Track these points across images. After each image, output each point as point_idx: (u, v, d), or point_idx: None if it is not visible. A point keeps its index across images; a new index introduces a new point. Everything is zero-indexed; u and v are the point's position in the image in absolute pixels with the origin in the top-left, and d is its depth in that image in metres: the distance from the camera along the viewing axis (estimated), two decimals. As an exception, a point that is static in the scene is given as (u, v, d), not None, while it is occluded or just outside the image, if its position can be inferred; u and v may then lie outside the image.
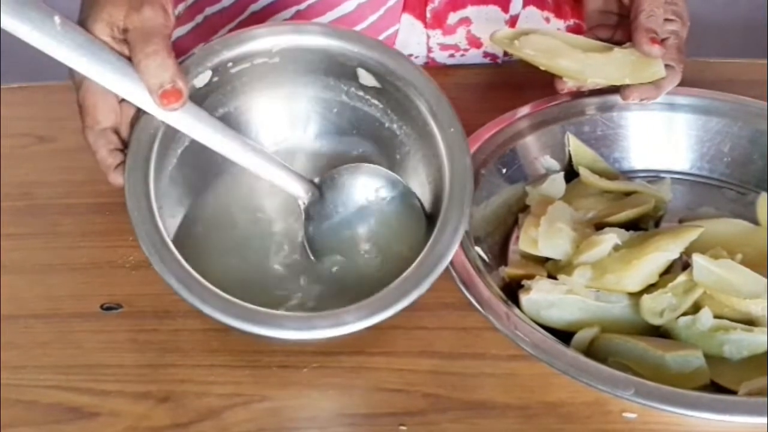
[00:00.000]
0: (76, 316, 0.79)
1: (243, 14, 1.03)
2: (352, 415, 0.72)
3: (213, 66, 0.76)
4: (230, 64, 0.76)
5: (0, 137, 0.95)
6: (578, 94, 0.90)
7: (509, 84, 1.01)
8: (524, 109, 0.89)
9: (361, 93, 0.80)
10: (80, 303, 0.80)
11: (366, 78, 0.79)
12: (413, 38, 1.04)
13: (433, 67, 1.07)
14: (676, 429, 0.70)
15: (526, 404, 0.72)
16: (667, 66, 0.87)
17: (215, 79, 0.77)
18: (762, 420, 0.66)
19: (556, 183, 0.86)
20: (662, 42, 0.87)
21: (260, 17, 1.03)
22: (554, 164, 0.88)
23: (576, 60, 0.87)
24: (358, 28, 1.02)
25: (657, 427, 0.70)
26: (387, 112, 0.80)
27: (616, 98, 0.90)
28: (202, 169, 0.80)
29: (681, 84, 0.90)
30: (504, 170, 0.86)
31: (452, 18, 1.04)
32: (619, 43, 0.90)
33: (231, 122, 0.78)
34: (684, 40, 0.90)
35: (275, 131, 0.83)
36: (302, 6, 1.01)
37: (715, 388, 0.72)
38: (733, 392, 0.71)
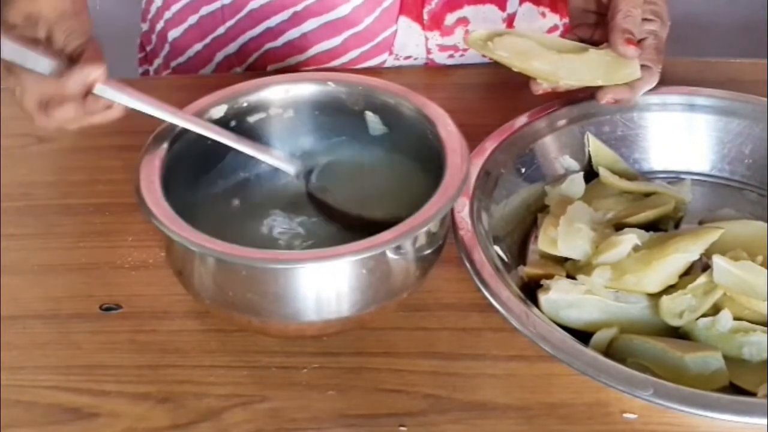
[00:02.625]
0: (76, 317, 0.79)
1: (242, 12, 1.03)
2: (352, 415, 0.72)
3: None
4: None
5: (0, 137, 0.95)
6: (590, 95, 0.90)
7: (509, 84, 1.01)
8: (543, 109, 0.89)
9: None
10: (79, 303, 0.80)
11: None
12: (412, 40, 1.04)
13: (432, 68, 1.07)
14: (676, 429, 0.70)
15: (527, 405, 0.72)
16: (643, 66, 0.87)
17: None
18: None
19: (576, 183, 0.86)
20: (640, 42, 0.86)
21: (258, 15, 1.03)
22: (574, 164, 0.88)
23: (549, 62, 0.87)
24: (353, 31, 1.02)
25: (657, 427, 0.70)
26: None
27: (636, 99, 0.89)
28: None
29: (690, 84, 0.91)
30: (523, 170, 0.86)
31: (450, 18, 1.03)
32: (598, 43, 0.89)
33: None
34: (663, 40, 0.89)
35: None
36: (299, 7, 1.01)
37: (734, 389, 0.72)
38: (752, 394, 0.71)
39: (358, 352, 0.76)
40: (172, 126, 0.78)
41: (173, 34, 1.07)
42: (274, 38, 1.04)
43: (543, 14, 1.06)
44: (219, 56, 1.07)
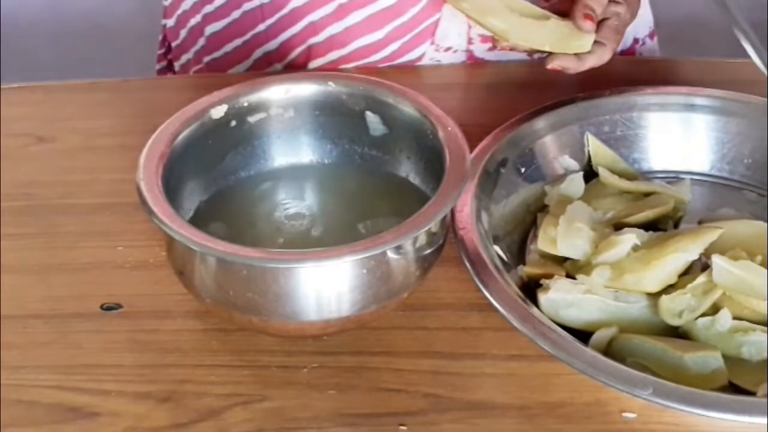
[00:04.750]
0: (76, 316, 0.79)
1: (284, 9, 1.03)
2: (352, 414, 0.72)
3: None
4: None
5: (0, 137, 0.95)
6: (597, 94, 0.91)
7: (509, 84, 1.01)
8: (543, 109, 0.89)
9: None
10: (80, 303, 0.80)
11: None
12: (454, 29, 1.04)
13: (432, 68, 1.06)
14: (675, 429, 0.70)
15: (526, 404, 0.72)
16: (598, 43, 0.91)
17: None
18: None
19: (575, 183, 0.86)
20: (602, 22, 0.91)
21: (302, 11, 1.03)
22: (573, 164, 0.88)
23: (505, 21, 0.91)
24: (398, 22, 1.02)
25: (656, 427, 0.70)
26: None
27: (636, 99, 0.90)
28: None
29: (690, 84, 0.91)
30: (523, 169, 0.86)
31: None
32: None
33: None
34: (625, 23, 0.93)
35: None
36: (344, 0, 1.01)
37: (734, 389, 0.72)
38: (752, 393, 0.71)
39: (358, 351, 0.76)
40: (173, 126, 0.78)
41: (212, 28, 1.07)
42: (316, 33, 1.04)
43: None
44: (258, 53, 1.06)
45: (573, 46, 0.90)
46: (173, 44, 1.14)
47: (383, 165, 0.84)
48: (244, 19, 1.05)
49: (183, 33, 1.11)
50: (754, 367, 0.73)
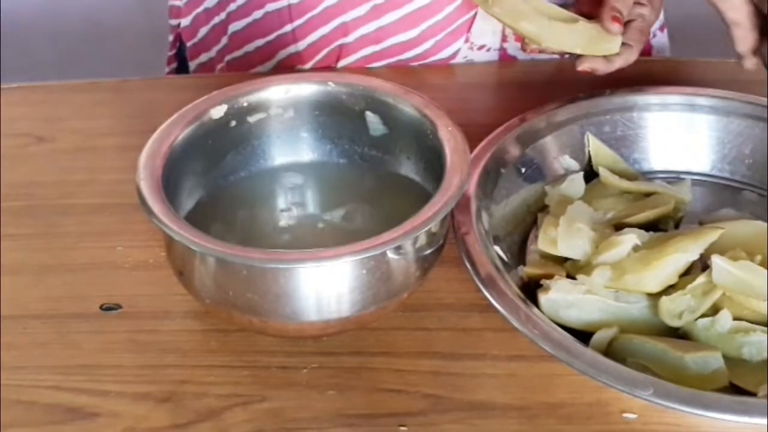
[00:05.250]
0: (76, 317, 0.79)
1: (315, 10, 1.03)
2: (352, 415, 0.72)
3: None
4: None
5: (0, 137, 0.95)
6: (598, 94, 0.91)
7: (510, 84, 1.02)
8: (543, 109, 0.89)
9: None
10: (79, 303, 0.80)
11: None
12: (488, 26, 1.04)
13: (432, 68, 1.06)
14: (676, 429, 0.70)
15: (527, 405, 0.72)
16: (625, 45, 0.91)
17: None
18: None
19: (576, 183, 0.86)
20: (628, 23, 0.91)
21: (334, 12, 1.02)
22: (573, 164, 0.88)
23: (537, 24, 0.91)
24: (432, 21, 1.02)
25: (657, 427, 0.70)
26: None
27: (636, 99, 0.90)
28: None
29: (691, 84, 0.91)
30: (523, 170, 0.86)
31: None
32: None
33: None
34: (650, 24, 0.93)
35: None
36: (380, 1, 1.01)
37: (734, 389, 0.71)
38: (752, 394, 0.71)
39: (358, 352, 0.76)
40: (173, 126, 0.78)
41: (234, 27, 1.06)
42: (346, 34, 1.03)
43: None
44: (282, 54, 1.06)
45: (602, 49, 0.90)
46: (189, 43, 1.12)
47: (383, 165, 0.84)
48: (267, 19, 1.04)
49: (204, 31, 1.10)
50: (754, 368, 0.73)
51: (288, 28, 1.04)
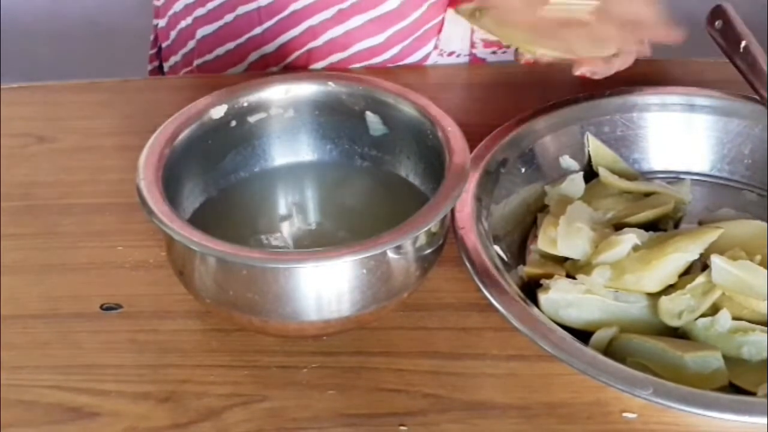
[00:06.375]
0: (76, 317, 0.79)
1: (283, 12, 1.03)
2: (352, 415, 0.72)
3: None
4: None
5: (0, 137, 0.95)
6: (598, 95, 0.91)
7: (509, 84, 1.01)
8: (543, 109, 0.89)
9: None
10: (80, 303, 0.80)
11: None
12: (457, 33, 1.04)
13: (432, 68, 1.06)
14: (675, 429, 0.70)
15: (527, 404, 0.72)
16: None
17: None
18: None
19: (575, 183, 0.86)
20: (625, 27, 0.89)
21: (302, 15, 1.02)
22: (573, 164, 0.88)
23: (529, 31, 0.89)
24: (399, 26, 1.02)
25: (657, 427, 0.70)
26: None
27: (636, 99, 0.90)
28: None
29: (690, 85, 0.91)
30: (523, 169, 0.86)
31: None
32: None
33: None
34: (649, 24, 0.91)
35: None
36: (345, 5, 1.01)
37: (734, 389, 0.72)
38: (752, 393, 0.71)
39: (358, 351, 0.76)
40: (173, 126, 0.78)
41: (204, 31, 1.06)
42: (315, 37, 1.03)
43: None
44: (253, 56, 1.06)
45: (598, 50, 0.89)
46: (163, 45, 1.14)
47: (383, 165, 0.84)
48: (238, 22, 1.05)
49: (173, 34, 1.11)
50: (754, 367, 0.73)
51: (258, 30, 1.04)
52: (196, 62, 1.09)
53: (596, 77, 0.90)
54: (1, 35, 2.37)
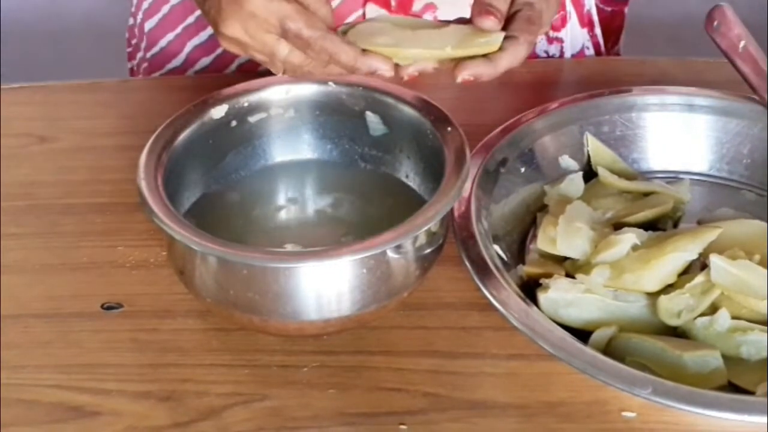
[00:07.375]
0: (77, 316, 0.79)
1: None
2: (352, 414, 0.72)
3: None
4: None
5: (0, 137, 0.95)
6: (597, 95, 0.91)
7: (509, 84, 1.01)
8: (543, 109, 0.90)
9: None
10: (81, 302, 0.80)
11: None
12: None
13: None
14: (675, 428, 0.70)
15: (526, 403, 0.72)
16: (510, 38, 0.77)
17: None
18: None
19: (575, 182, 0.86)
20: (513, 15, 0.78)
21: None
22: (573, 164, 0.88)
23: (393, 37, 0.79)
24: None
25: (656, 426, 0.70)
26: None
27: (635, 99, 0.90)
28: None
29: (690, 84, 0.91)
30: (522, 169, 0.86)
31: (417, 4, 1.01)
32: None
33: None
34: (540, 12, 0.80)
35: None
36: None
37: (733, 388, 0.72)
38: (751, 392, 0.71)
39: (358, 350, 0.76)
40: (174, 126, 0.78)
41: (149, 24, 1.07)
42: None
43: None
44: (188, 46, 1.06)
45: (479, 45, 0.77)
46: (133, 42, 1.15)
47: (383, 165, 0.84)
48: (174, 11, 1.05)
49: (136, 31, 1.12)
50: (753, 367, 0.73)
51: (191, 19, 1.05)
52: (147, 55, 1.10)
53: (483, 80, 0.78)
54: (1, 35, 2.37)
